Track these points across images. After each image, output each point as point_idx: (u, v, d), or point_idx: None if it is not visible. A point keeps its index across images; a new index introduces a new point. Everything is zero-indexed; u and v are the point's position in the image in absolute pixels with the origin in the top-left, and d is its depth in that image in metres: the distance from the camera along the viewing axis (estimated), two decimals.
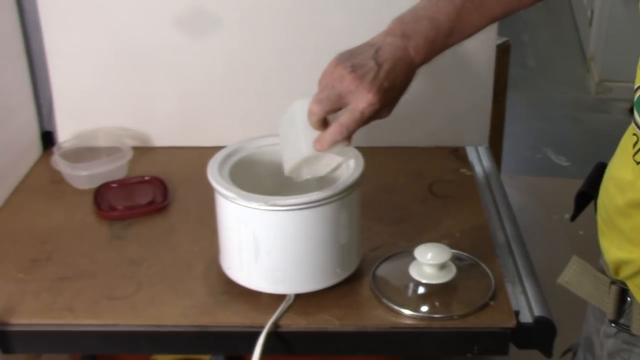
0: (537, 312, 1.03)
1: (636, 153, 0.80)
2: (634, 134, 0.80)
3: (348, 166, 1.06)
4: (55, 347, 1.11)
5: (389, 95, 0.90)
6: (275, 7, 1.43)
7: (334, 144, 0.90)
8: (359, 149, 1.09)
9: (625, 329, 0.86)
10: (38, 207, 1.32)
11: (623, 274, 0.85)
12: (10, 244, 1.21)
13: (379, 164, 1.33)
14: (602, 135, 3.31)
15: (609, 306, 0.87)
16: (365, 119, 0.89)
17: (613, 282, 0.87)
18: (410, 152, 1.50)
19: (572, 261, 0.91)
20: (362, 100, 0.88)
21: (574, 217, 0.99)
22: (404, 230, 1.23)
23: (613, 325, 0.88)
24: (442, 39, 0.94)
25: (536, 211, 2.62)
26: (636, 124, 0.80)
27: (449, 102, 1.50)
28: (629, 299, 0.86)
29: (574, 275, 0.90)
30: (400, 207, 1.30)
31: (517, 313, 1.02)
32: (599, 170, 0.91)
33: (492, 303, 1.03)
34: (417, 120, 1.51)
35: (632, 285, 0.84)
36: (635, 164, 0.79)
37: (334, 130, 0.90)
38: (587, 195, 0.95)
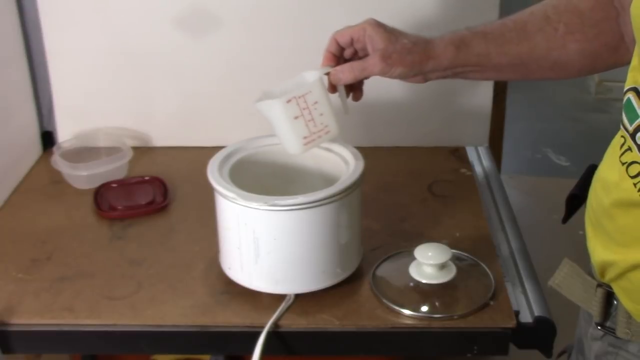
0: (537, 312, 1.03)
1: (623, 154, 0.80)
2: (622, 136, 0.81)
3: (348, 164, 1.06)
4: (55, 347, 1.11)
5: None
6: (275, 7, 1.43)
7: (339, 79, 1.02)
8: (359, 149, 1.09)
9: (611, 332, 0.86)
10: (38, 207, 1.32)
11: (608, 276, 0.84)
12: (10, 244, 1.21)
13: (379, 164, 1.34)
14: (602, 135, 3.28)
15: (595, 309, 0.87)
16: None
17: (599, 284, 0.87)
18: (410, 152, 1.50)
19: (563, 264, 0.91)
20: (375, 64, 0.98)
21: (565, 220, 0.99)
22: (404, 230, 1.23)
23: (599, 328, 0.88)
24: (471, 36, 0.98)
25: (536, 211, 2.62)
26: (624, 126, 0.80)
27: (449, 102, 1.50)
28: (615, 302, 0.85)
29: (564, 278, 0.90)
30: (400, 207, 1.30)
31: (517, 313, 1.02)
32: (591, 173, 0.91)
33: (492, 303, 1.03)
34: (417, 120, 1.51)
35: (617, 288, 0.84)
36: (621, 164, 0.79)
37: (343, 67, 1.01)
38: (579, 197, 0.95)
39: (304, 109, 1.00)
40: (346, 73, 1.00)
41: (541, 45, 0.96)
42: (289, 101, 1.00)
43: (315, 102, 1.00)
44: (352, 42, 1.01)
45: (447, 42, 0.97)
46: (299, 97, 1.00)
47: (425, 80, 1.01)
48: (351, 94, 1.06)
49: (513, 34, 0.97)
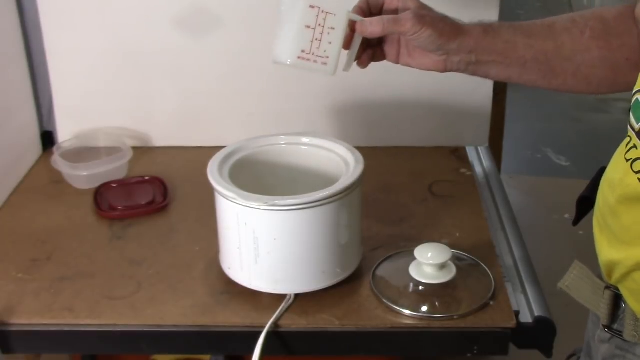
0: (537, 312, 1.03)
1: (628, 151, 0.80)
2: (628, 135, 0.81)
3: (348, 165, 1.06)
4: (55, 347, 1.11)
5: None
6: (275, 7, 1.43)
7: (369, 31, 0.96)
8: (359, 149, 1.09)
9: (618, 334, 0.86)
10: (38, 207, 1.32)
11: (615, 277, 0.84)
12: (10, 244, 1.21)
13: (379, 164, 1.34)
14: (602, 135, 3.31)
15: (603, 311, 0.87)
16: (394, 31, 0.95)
17: (607, 287, 0.87)
18: (410, 152, 1.51)
19: (574, 266, 0.91)
20: (407, 20, 0.94)
21: (576, 222, 0.98)
22: (404, 230, 1.23)
23: (607, 330, 0.88)
24: (499, 24, 0.96)
25: (536, 211, 2.62)
26: (630, 125, 0.81)
27: (449, 102, 1.50)
28: (623, 304, 0.85)
29: (574, 280, 0.90)
30: (400, 207, 1.30)
31: (517, 313, 1.02)
32: (601, 175, 0.91)
33: (492, 303, 1.03)
34: (417, 120, 1.51)
35: (623, 290, 0.84)
36: (625, 161, 0.80)
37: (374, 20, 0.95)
38: (589, 199, 0.95)
39: (319, 25, 0.96)
40: (375, 25, 0.94)
41: (567, 45, 0.95)
42: (312, 7, 0.95)
43: (332, 28, 0.96)
44: (382, 6, 0.97)
45: (475, 24, 0.96)
46: (322, 12, 0.95)
47: (446, 65, 0.96)
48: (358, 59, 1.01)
49: (540, 30, 0.96)
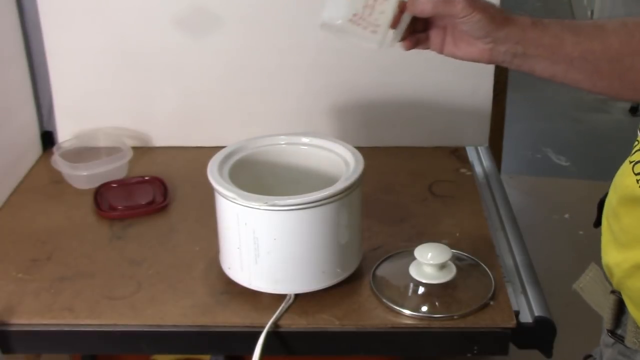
0: (537, 312, 1.03)
1: (633, 154, 0.81)
2: (637, 140, 0.82)
3: (348, 164, 1.06)
4: (55, 347, 1.11)
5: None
6: (275, 7, 1.43)
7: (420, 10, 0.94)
8: (359, 149, 1.09)
9: (621, 340, 0.86)
10: (38, 207, 1.32)
11: (614, 281, 0.84)
12: (10, 244, 1.21)
13: (379, 164, 1.34)
14: (602, 135, 3.31)
15: (607, 315, 0.87)
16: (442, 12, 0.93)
17: (612, 291, 0.87)
18: (411, 152, 1.51)
19: (590, 268, 0.90)
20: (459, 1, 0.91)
21: (597, 224, 0.97)
22: (404, 230, 1.23)
23: (610, 335, 0.88)
24: (548, 20, 0.93)
25: (536, 211, 2.62)
26: (639, 129, 0.81)
27: (449, 102, 1.50)
28: (627, 310, 0.86)
29: (589, 283, 0.90)
30: (400, 207, 1.30)
31: (517, 313, 1.02)
32: None
33: (492, 303, 1.03)
34: (417, 120, 1.51)
35: (624, 295, 0.84)
36: (629, 163, 0.81)
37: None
38: None
39: None
40: (426, 3, 0.92)
41: (615, 46, 0.92)
42: None
43: None
44: None
45: (524, 16, 0.93)
46: None
47: (492, 54, 0.94)
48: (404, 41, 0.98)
49: (589, 29, 0.93)
